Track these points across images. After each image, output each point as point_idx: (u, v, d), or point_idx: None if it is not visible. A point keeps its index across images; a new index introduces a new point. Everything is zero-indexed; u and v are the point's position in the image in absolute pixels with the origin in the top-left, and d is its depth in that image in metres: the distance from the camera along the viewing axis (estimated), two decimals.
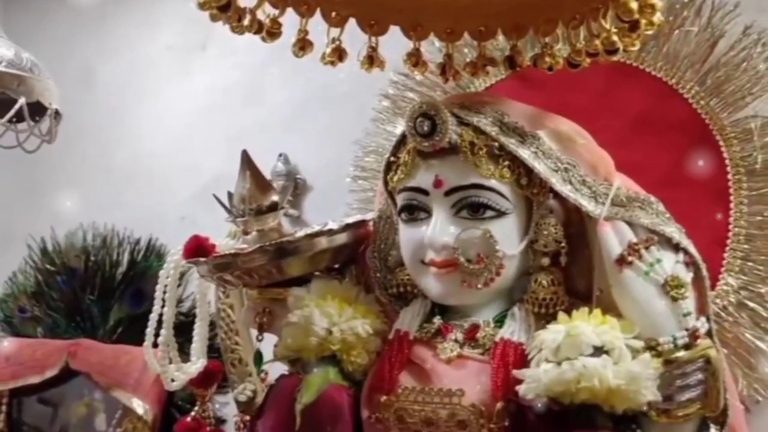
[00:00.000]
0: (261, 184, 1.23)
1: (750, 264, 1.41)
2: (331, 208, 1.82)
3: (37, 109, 1.84)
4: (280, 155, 1.98)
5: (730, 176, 1.43)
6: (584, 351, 0.94)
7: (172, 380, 1.27)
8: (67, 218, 2.28)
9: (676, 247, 1.02)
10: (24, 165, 2.37)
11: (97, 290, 2.15)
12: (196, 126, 2.25)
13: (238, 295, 1.42)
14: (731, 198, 1.43)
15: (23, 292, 2.29)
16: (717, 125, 1.47)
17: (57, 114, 1.87)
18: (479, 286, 1.06)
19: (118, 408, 1.97)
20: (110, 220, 2.24)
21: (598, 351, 0.94)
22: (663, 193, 1.41)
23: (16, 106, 1.75)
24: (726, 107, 1.47)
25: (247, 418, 1.43)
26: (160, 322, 1.30)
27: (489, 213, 1.05)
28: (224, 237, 1.35)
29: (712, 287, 1.41)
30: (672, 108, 1.52)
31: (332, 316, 1.12)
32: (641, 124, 1.52)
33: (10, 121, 1.83)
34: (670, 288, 0.99)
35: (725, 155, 1.44)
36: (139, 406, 1.92)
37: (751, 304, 1.39)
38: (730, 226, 1.43)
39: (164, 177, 2.22)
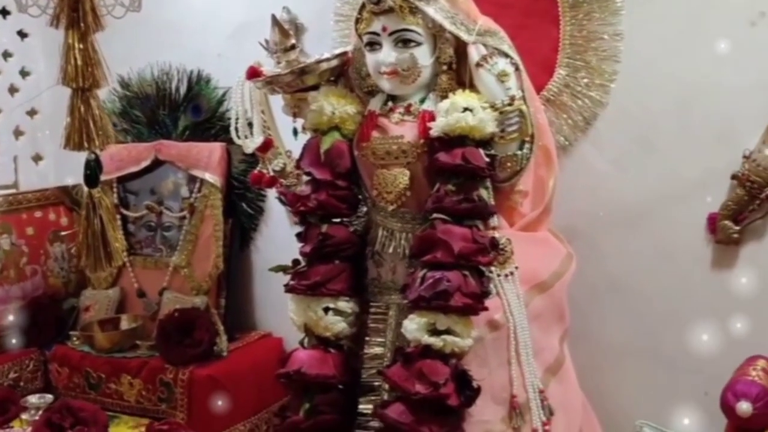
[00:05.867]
0: (284, 33, 2.04)
1: (572, 61, 2.26)
2: (320, 43, 2.54)
3: None
4: (284, 8, 2.71)
5: (559, 9, 2.24)
6: (459, 110, 1.82)
7: (248, 147, 2.16)
8: (137, 59, 3.04)
9: (506, 55, 1.89)
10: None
11: (167, 108, 2.97)
12: None
13: (266, 102, 2.25)
14: (560, 22, 2.25)
15: (112, 112, 3.10)
16: None
17: None
18: (410, 83, 1.92)
19: (196, 181, 2.86)
20: (167, 59, 3.03)
21: (466, 109, 1.82)
22: (524, 20, 2.26)
23: None
24: None
25: (282, 180, 2.33)
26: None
27: (412, 44, 1.88)
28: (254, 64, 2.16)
29: (550, 76, 2.29)
30: None
31: (334, 104, 1.97)
32: None
33: None
34: (500, 76, 1.86)
35: None
36: (210, 177, 2.80)
37: (572, 84, 2.25)
38: (560, 39, 2.26)
39: (203, 26, 2.91)
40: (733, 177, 2.09)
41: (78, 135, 1.74)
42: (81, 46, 1.73)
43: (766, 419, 1.85)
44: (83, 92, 1.75)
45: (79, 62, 1.72)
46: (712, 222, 2.14)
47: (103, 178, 2.95)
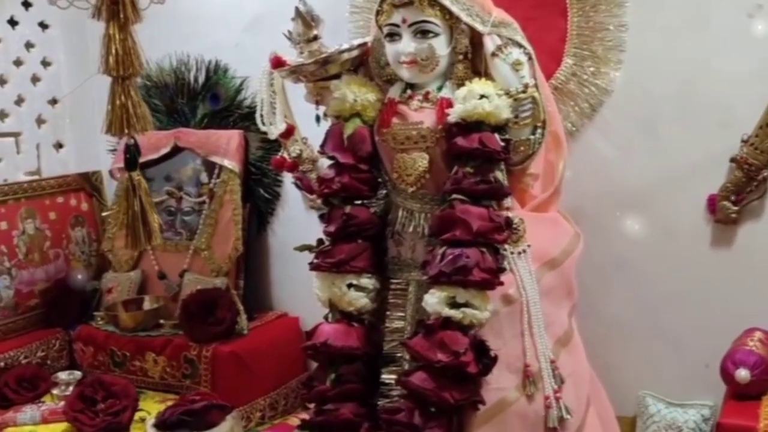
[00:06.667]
0: (307, 24, 2.14)
1: (579, 50, 2.37)
2: (336, 34, 2.59)
3: None
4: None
5: (567, 1, 2.35)
6: (476, 97, 1.93)
7: (272, 133, 2.27)
8: (156, 50, 3.12)
9: (520, 45, 2.00)
10: None
11: (185, 96, 3.07)
12: None
13: (282, 92, 2.36)
14: (568, 14, 2.36)
15: None
16: None
17: None
18: (428, 72, 2.02)
19: (215, 167, 2.96)
20: (186, 50, 3.12)
21: (482, 96, 1.93)
22: (533, 12, 2.36)
23: None
24: None
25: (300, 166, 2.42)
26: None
27: (431, 35, 1.98)
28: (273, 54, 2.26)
29: (558, 65, 2.41)
30: None
31: (355, 92, 2.07)
32: None
33: None
34: (515, 65, 1.97)
35: None
36: (229, 164, 2.90)
37: (578, 72, 2.37)
38: (568, 30, 2.37)
39: (220, 17, 3.01)
40: (732, 160, 2.21)
41: (119, 121, 1.84)
42: (121, 36, 1.83)
43: (763, 386, 1.98)
44: (123, 80, 1.85)
45: (120, 52, 1.82)
46: (712, 203, 2.26)
47: (123, 164, 3.12)
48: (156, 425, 2.08)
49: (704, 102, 2.25)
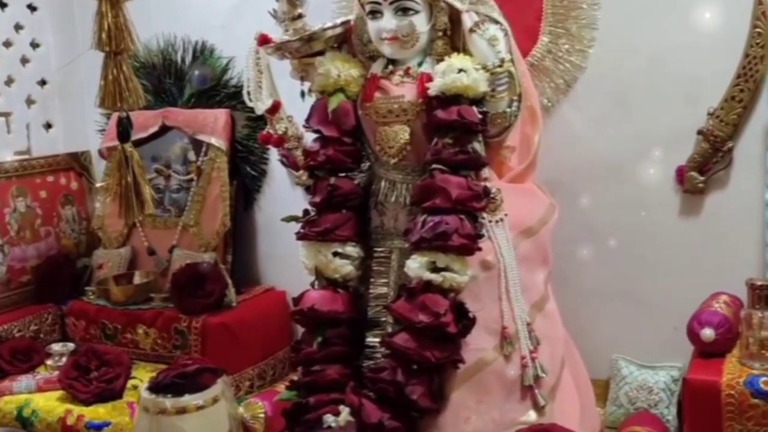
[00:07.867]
0: (291, 3, 2.20)
1: (554, 28, 2.45)
2: (321, 12, 2.65)
3: None
4: None
5: None
6: (454, 71, 2.01)
7: (259, 109, 2.34)
8: (143, 31, 3.16)
9: (496, 22, 2.08)
10: None
11: (172, 76, 3.12)
12: None
13: (268, 70, 2.43)
14: None
15: None
16: None
17: None
18: (409, 48, 2.10)
19: (202, 145, 3.03)
20: (172, 31, 3.18)
21: (461, 71, 2.02)
22: None
23: None
24: None
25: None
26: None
27: (411, 12, 2.07)
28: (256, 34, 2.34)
29: (534, 43, 2.49)
30: None
31: (339, 68, 2.16)
32: None
33: None
34: (491, 41, 2.05)
35: None
36: (216, 141, 2.96)
37: (554, 50, 2.45)
38: (543, 8, 2.45)
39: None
40: (699, 132, 2.31)
41: (111, 95, 1.90)
42: (113, 13, 1.89)
43: (727, 344, 2.08)
44: (115, 56, 1.91)
45: (112, 28, 1.88)
46: (680, 173, 2.36)
47: (112, 143, 3.18)
48: (150, 388, 2.16)
49: (672, 77, 2.34)
